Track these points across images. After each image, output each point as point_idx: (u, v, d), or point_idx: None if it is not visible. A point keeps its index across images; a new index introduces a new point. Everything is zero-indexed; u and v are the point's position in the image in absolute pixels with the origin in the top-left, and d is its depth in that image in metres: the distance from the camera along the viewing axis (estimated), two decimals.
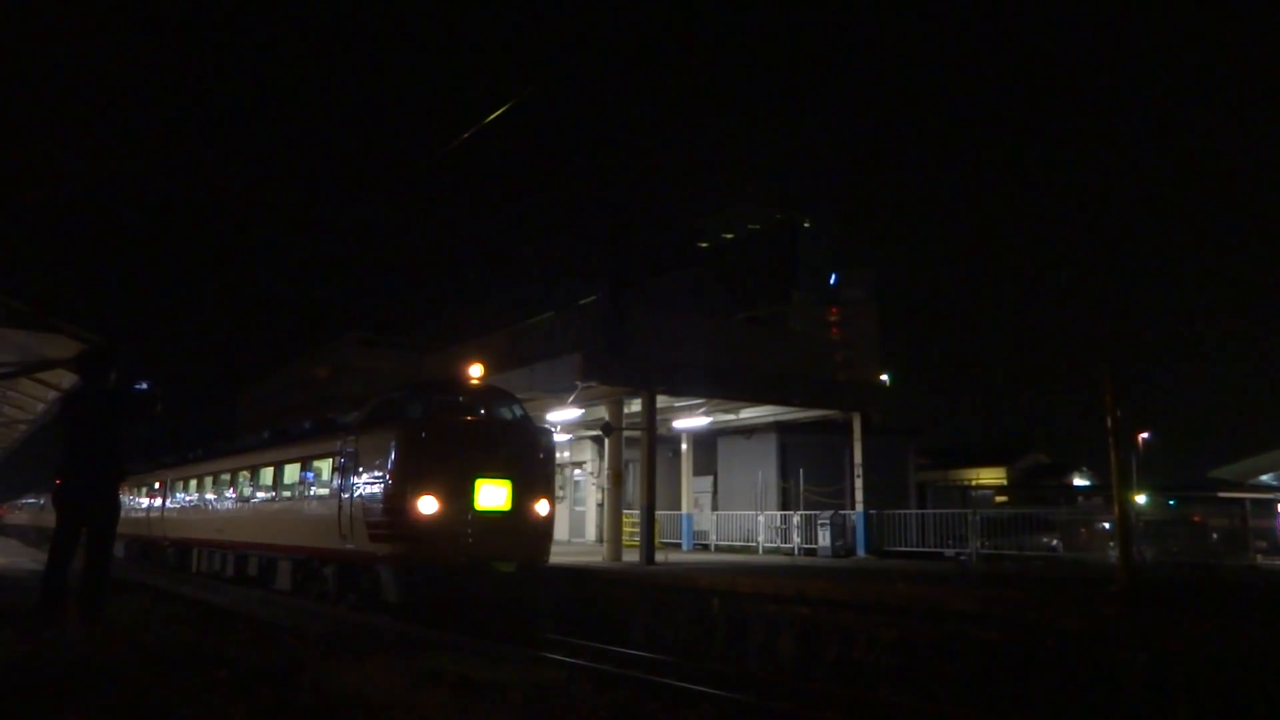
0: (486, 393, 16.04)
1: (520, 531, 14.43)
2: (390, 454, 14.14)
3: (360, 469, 14.76)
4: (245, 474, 20.69)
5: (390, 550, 13.87)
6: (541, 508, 14.88)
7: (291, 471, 18.08)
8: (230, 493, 21.53)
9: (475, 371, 16.18)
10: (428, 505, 13.68)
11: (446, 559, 13.73)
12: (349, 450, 15.23)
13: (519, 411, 16.01)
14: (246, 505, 20.48)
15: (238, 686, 8.03)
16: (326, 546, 15.72)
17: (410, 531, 13.68)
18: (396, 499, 13.77)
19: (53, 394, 22.14)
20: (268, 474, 19.32)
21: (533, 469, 15.04)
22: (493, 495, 14.23)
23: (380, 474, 14.25)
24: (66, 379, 19.60)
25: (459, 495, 13.95)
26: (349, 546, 14.82)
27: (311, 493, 17.05)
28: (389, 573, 13.97)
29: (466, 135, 13.47)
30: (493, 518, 14.16)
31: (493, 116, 12.82)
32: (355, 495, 14.67)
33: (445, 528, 13.79)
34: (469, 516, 13.98)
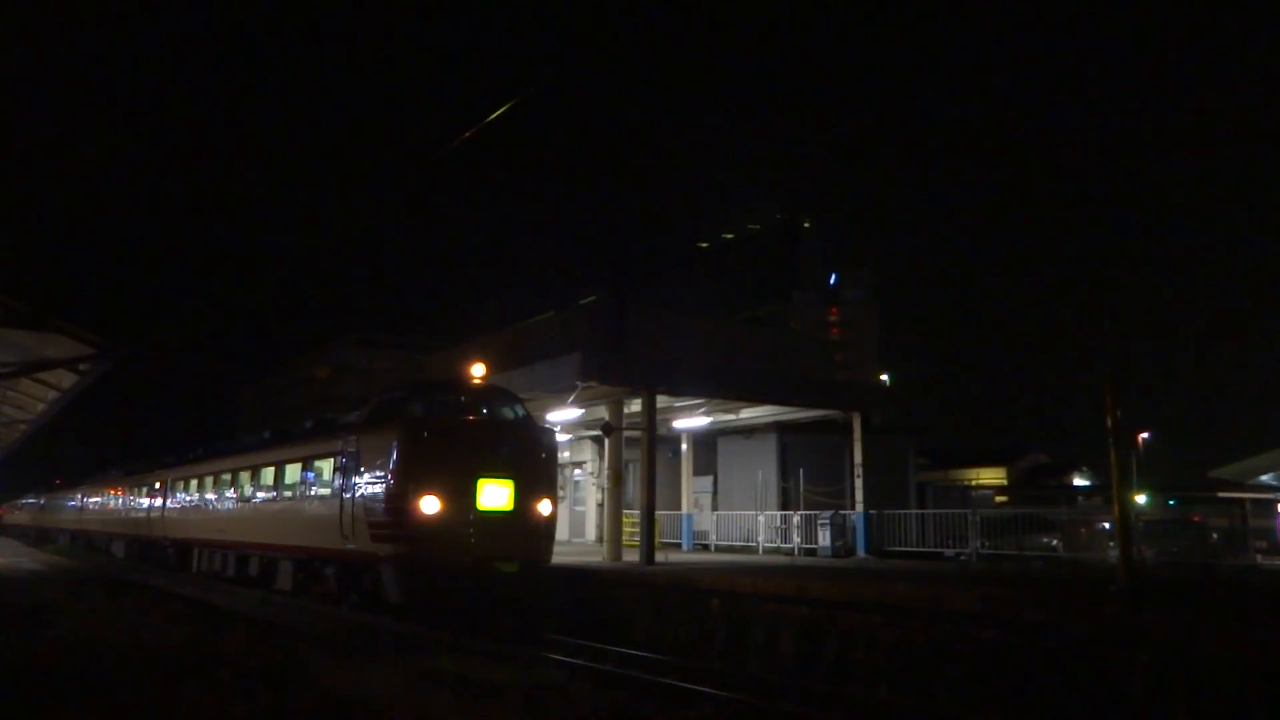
0: (489, 392, 15.95)
1: (523, 531, 14.36)
2: (392, 454, 14.07)
3: (362, 469, 14.69)
4: (246, 474, 20.63)
5: (392, 550, 13.80)
6: (544, 508, 14.80)
7: (293, 472, 18.02)
8: (231, 493, 21.46)
9: (478, 371, 16.09)
10: (430, 505, 13.61)
11: (449, 559, 13.65)
12: (351, 450, 15.15)
13: (521, 411, 15.91)
14: (247, 505, 20.42)
15: (238, 686, 8.04)
16: (328, 546, 15.65)
17: (412, 531, 13.61)
18: (399, 499, 13.69)
19: (53, 394, 22.18)
20: (269, 474, 19.26)
21: (535, 469, 14.95)
22: (495, 495, 14.16)
23: (382, 474, 14.18)
24: (66, 379, 19.64)
25: (461, 495, 13.88)
26: (351, 546, 14.76)
27: (313, 493, 16.99)
28: (391, 573, 13.89)
29: (468, 134, 13.43)
30: (495, 518, 14.09)
31: (494, 115, 12.78)
32: (357, 495, 14.61)
33: (448, 528, 13.71)
34: (471, 516, 13.92)
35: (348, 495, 14.87)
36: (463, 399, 15.54)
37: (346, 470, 15.13)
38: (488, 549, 13.88)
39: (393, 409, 15.47)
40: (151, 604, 15.41)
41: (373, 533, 14.06)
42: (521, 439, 15.28)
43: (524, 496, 14.42)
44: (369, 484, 14.45)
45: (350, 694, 8.07)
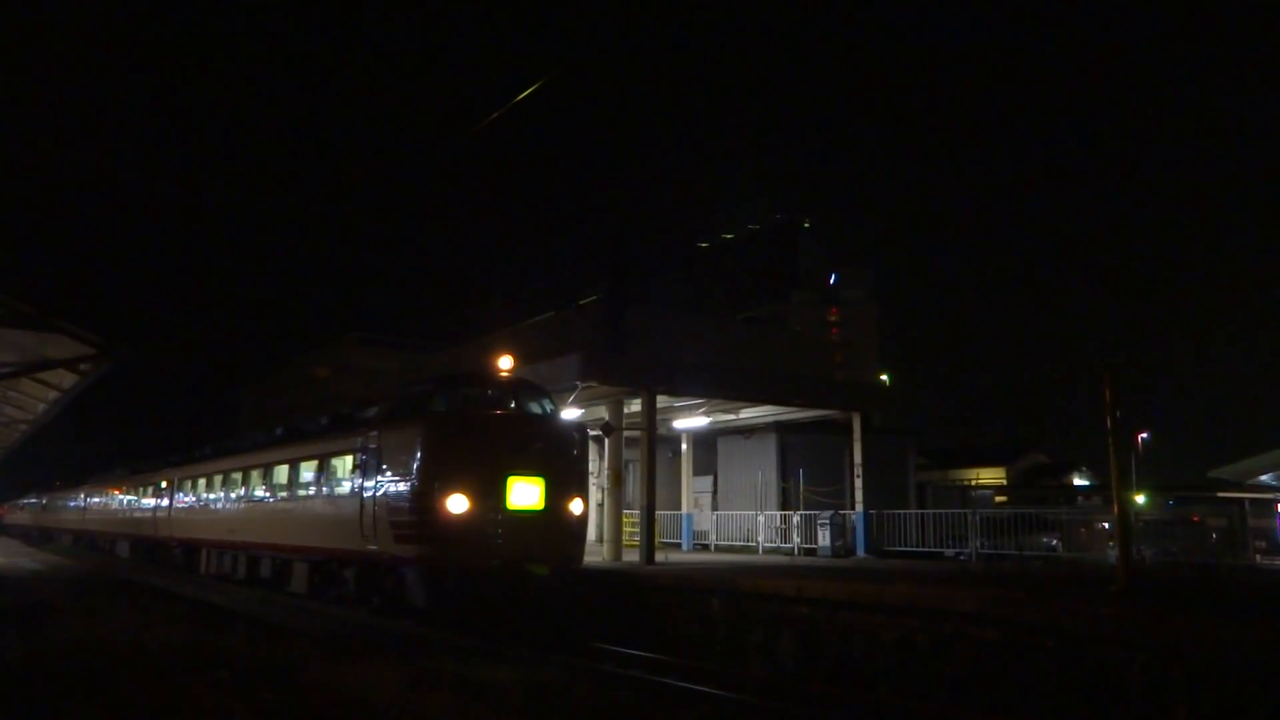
0: (516, 385, 15.25)
1: (554, 532, 13.79)
2: (416, 450, 13.54)
3: (384, 466, 14.16)
4: (258, 472, 20.14)
5: (417, 551, 13.25)
6: (575, 507, 14.21)
7: (308, 469, 17.53)
8: (242, 492, 21.06)
9: (505, 364, 15.47)
10: (457, 504, 13.06)
11: (477, 561, 13.09)
12: (371, 447, 14.62)
13: (550, 405, 15.33)
14: (260, 505, 19.93)
15: (238, 686, 8.06)
16: (347, 548, 15.17)
17: (438, 532, 13.06)
18: (424, 497, 13.15)
19: (53, 394, 22.17)
20: (282, 472, 18.77)
21: (566, 466, 14.37)
22: (525, 494, 13.60)
23: (406, 471, 13.64)
24: (67, 379, 19.63)
25: (490, 493, 13.32)
26: (371, 548, 14.25)
27: (330, 491, 16.48)
28: (416, 575, 13.42)
29: (470, 133, 13.38)
30: (525, 517, 13.51)
31: (496, 115, 12.65)
32: (378, 494, 14.09)
33: (476, 528, 13.15)
34: (500, 516, 13.34)
35: (368, 494, 14.35)
36: (489, 392, 14.81)
37: (367, 468, 14.61)
38: (518, 550, 13.33)
39: (416, 403, 14.88)
40: (153, 604, 15.40)
41: (396, 533, 13.54)
42: (552, 435, 14.66)
43: (555, 495, 13.82)
44: (392, 482, 13.93)
45: (351, 693, 8.08)
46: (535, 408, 14.98)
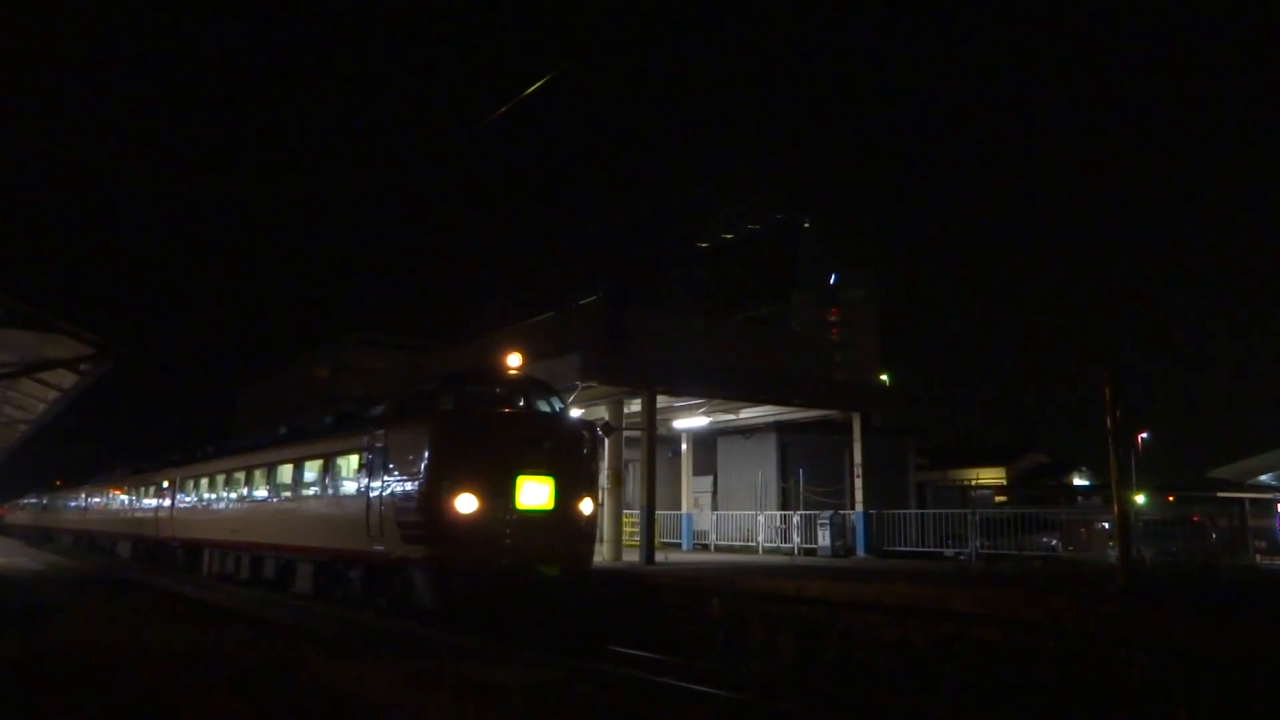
0: (525, 383, 15.09)
1: (564, 532, 13.65)
2: (424, 449, 13.42)
3: (391, 465, 14.03)
4: (262, 472, 20.03)
5: (425, 552, 13.14)
6: (585, 507, 14.06)
7: (314, 469, 17.42)
8: (245, 492, 20.97)
9: (513, 361, 15.31)
10: (466, 504, 12.92)
11: (486, 561, 12.95)
12: (378, 446, 14.51)
13: (559, 404, 15.21)
14: (263, 505, 19.82)
15: (238, 686, 8.06)
16: (353, 548, 15.07)
17: (447, 532, 12.94)
18: (432, 497, 13.03)
19: (53, 394, 22.17)
20: (287, 471, 18.65)
21: (576, 465, 14.24)
22: (535, 493, 13.44)
23: (413, 470, 13.52)
24: (67, 379, 19.63)
25: (499, 493, 13.17)
26: (378, 548, 14.13)
27: (336, 491, 16.36)
28: (424, 576, 13.29)
29: (496, 114, 13.18)
30: (535, 517, 13.36)
31: (523, 95, 12.49)
32: (385, 493, 13.97)
33: (484, 528, 13.00)
34: (510, 516, 13.18)
35: (375, 494, 14.24)
36: (498, 390, 14.64)
37: (373, 467, 14.51)
38: (527, 551, 13.19)
39: (423, 401, 14.76)
40: (152, 604, 15.40)
41: (403, 534, 13.43)
42: (561, 433, 14.46)
43: (565, 495, 13.67)
44: (399, 482, 13.80)
45: (350, 693, 8.08)
46: (544, 406, 14.83)
